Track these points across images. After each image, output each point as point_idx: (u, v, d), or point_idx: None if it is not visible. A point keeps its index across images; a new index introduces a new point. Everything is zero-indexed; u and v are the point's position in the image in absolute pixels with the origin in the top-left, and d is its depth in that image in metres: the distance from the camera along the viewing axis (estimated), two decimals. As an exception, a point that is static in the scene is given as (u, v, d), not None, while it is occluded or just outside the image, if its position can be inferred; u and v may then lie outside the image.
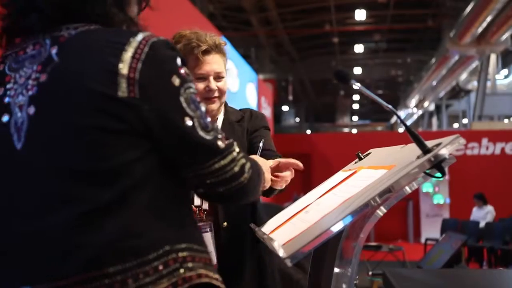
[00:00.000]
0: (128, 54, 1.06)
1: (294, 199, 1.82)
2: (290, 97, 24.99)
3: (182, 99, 1.09)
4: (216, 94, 1.94)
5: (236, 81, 10.76)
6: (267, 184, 1.63)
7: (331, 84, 26.66)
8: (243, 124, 2.08)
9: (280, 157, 2.04)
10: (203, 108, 1.14)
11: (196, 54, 1.91)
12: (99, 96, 1.03)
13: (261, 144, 1.97)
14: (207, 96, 1.93)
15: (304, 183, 13.36)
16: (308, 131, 28.04)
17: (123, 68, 1.05)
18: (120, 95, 1.04)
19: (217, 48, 1.96)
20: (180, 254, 1.09)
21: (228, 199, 1.22)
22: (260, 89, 13.31)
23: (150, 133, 1.08)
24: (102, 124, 1.03)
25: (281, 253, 1.22)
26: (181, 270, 1.07)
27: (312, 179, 13.26)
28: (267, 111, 14.56)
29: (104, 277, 1.01)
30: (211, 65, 1.94)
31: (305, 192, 1.85)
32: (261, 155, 1.93)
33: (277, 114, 25.92)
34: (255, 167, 1.25)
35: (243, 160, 1.19)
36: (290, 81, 23.96)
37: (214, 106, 1.97)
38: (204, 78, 1.93)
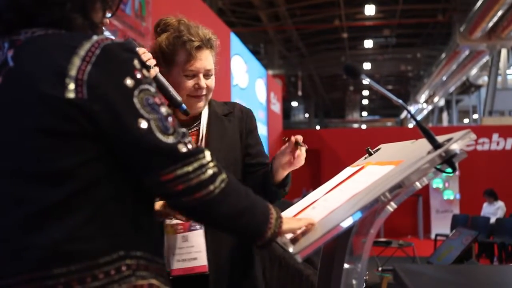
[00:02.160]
0: (78, 57, 1.05)
1: (304, 195, 1.81)
2: (300, 93, 24.93)
3: (135, 101, 1.06)
4: (204, 92, 1.90)
5: (245, 77, 10.75)
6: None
7: (341, 79, 26.59)
8: (233, 120, 2.02)
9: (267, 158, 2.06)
10: (163, 110, 1.10)
11: (188, 50, 1.86)
12: (48, 99, 1.03)
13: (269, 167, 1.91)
14: (196, 94, 1.89)
15: (314, 179, 13.37)
16: (318, 127, 28.03)
17: (72, 69, 1.04)
18: (68, 96, 1.03)
19: (208, 43, 1.91)
20: (134, 262, 1.08)
21: (195, 211, 1.15)
22: (269, 84, 13.29)
23: (101, 135, 1.06)
24: (50, 126, 1.03)
25: (291, 248, 1.22)
26: (133, 278, 1.07)
27: (321, 175, 13.26)
28: (276, 107, 14.55)
29: (48, 278, 1.02)
30: (202, 62, 1.89)
31: (314, 188, 1.85)
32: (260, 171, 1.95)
33: (287, 110, 25.91)
34: (236, 185, 1.18)
35: (215, 169, 1.13)
36: (300, 76, 23.89)
37: (201, 104, 1.93)
38: (193, 75, 1.88)
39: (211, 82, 1.93)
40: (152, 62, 1.73)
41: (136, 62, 1.09)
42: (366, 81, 1.35)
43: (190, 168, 1.09)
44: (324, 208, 1.44)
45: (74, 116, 1.03)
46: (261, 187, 1.86)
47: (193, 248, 1.83)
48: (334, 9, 17.04)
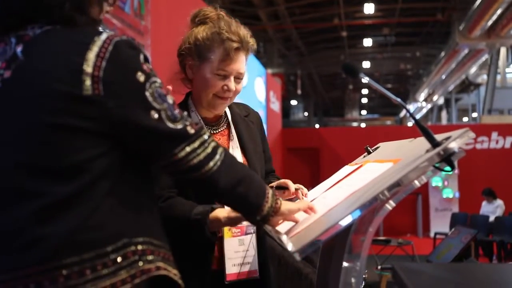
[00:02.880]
0: (92, 53, 1.08)
1: (303, 194, 1.81)
2: (299, 92, 24.92)
3: (147, 94, 1.13)
4: (231, 94, 1.85)
5: (244, 76, 10.74)
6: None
7: (340, 78, 26.59)
8: (253, 122, 2.02)
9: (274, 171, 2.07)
10: (170, 100, 1.18)
11: (226, 49, 1.79)
12: (63, 96, 1.06)
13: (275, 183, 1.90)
14: (223, 95, 1.83)
15: (313, 177, 13.38)
16: (317, 126, 28.02)
17: (88, 66, 1.07)
18: (84, 94, 1.07)
19: (247, 46, 1.84)
20: (140, 247, 1.13)
21: (204, 184, 1.25)
22: (268, 83, 13.29)
23: (116, 130, 1.11)
24: (66, 122, 1.07)
25: (290, 247, 1.22)
26: (140, 263, 1.12)
27: (320, 173, 13.26)
28: (275, 106, 14.54)
29: (62, 268, 1.05)
30: (237, 64, 1.82)
31: (313, 187, 1.85)
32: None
33: (286, 109, 25.91)
34: (231, 156, 1.30)
35: (213, 143, 1.24)
36: (299, 75, 23.88)
37: (225, 106, 1.89)
38: (225, 75, 1.81)
39: (240, 86, 1.87)
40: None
41: (141, 57, 1.15)
42: (365, 80, 1.36)
43: (196, 145, 1.19)
44: (323, 205, 1.45)
45: (90, 112, 1.08)
46: None
47: (248, 252, 1.81)
48: (333, 8, 17.03)
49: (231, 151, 1.86)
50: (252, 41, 1.86)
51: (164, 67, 1.92)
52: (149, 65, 1.16)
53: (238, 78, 1.85)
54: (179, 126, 1.17)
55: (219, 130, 1.91)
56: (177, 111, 1.19)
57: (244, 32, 1.84)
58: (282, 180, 1.88)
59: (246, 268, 1.80)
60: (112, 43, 1.11)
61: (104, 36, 1.11)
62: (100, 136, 1.11)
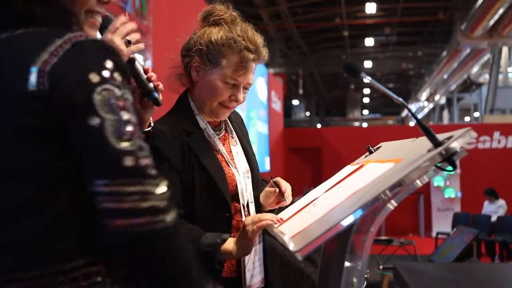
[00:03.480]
0: (47, 52, 1.00)
1: (304, 193, 1.81)
2: (300, 91, 24.92)
3: (95, 96, 0.98)
4: (237, 105, 1.80)
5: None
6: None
7: (342, 77, 26.58)
8: (241, 123, 2.00)
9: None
10: (124, 115, 1.00)
11: (242, 59, 1.72)
12: (14, 94, 1.00)
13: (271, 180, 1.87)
14: (228, 105, 1.77)
15: (315, 177, 13.38)
16: (319, 125, 28.02)
17: (37, 62, 0.99)
18: (30, 89, 0.98)
19: (261, 56, 1.78)
20: (103, 268, 1.02)
21: (121, 243, 0.97)
22: (270, 83, 13.29)
23: (64, 130, 0.99)
24: (15, 122, 0.99)
25: (291, 246, 1.22)
26: (103, 286, 1.02)
27: (322, 173, 13.26)
28: (277, 105, 14.54)
29: (15, 281, 0.97)
30: (249, 75, 1.76)
31: (315, 186, 1.85)
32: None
33: (288, 108, 25.90)
34: (188, 237, 1.09)
35: (160, 203, 0.98)
36: (300, 75, 23.89)
37: (227, 114, 1.84)
38: (234, 85, 1.74)
39: (246, 95, 1.81)
40: (135, 36, 1.56)
41: (108, 62, 1.02)
42: (366, 79, 1.35)
43: (131, 189, 0.96)
44: (324, 205, 1.44)
45: (37, 109, 0.99)
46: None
47: (259, 262, 1.79)
48: (335, 7, 17.02)
49: (235, 157, 1.83)
50: (265, 51, 1.80)
51: (166, 67, 1.89)
52: (116, 75, 1.02)
53: (246, 88, 1.80)
54: (121, 146, 0.97)
55: (221, 135, 1.86)
56: (127, 131, 0.99)
57: (260, 40, 1.78)
58: (276, 179, 1.86)
59: (259, 277, 1.79)
60: (71, 43, 1.01)
61: (66, 36, 1.02)
62: (52, 136, 1.00)
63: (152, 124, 1.70)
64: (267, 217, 1.59)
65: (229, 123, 1.90)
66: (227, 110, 1.80)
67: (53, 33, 1.04)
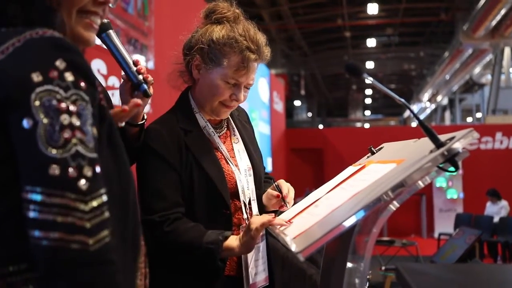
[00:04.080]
0: None
1: (306, 194, 1.81)
2: (302, 92, 24.92)
3: (33, 96, 0.90)
4: (238, 104, 1.80)
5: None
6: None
7: (343, 78, 26.58)
8: (245, 120, 1.99)
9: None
10: (64, 121, 0.91)
11: (244, 59, 1.70)
12: None
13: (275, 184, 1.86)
14: (229, 104, 1.77)
15: (317, 178, 13.37)
16: (321, 126, 28.00)
17: None
18: None
19: (263, 56, 1.76)
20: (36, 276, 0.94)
21: (38, 254, 0.88)
22: (272, 84, 13.29)
23: (5, 130, 0.92)
24: None
25: (293, 247, 1.22)
26: None
27: (324, 174, 13.24)
28: (279, 106, 14.54)
29: None
30: (250, 74, 1.74)
31: (317, 188, 1.85)
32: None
33: (289, 109, 25.89)
34: (114, 266, 0.92)
35: (86, 224, 0.89)
36: (302, 75, 23.89)
37: (228, 113, 1.84)
38: (235, 84, 1.73)
39: (247, 95, 1.80)
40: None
41: (59, 62, 0.94)
42: (368, 80, 1.35)
43: (51, 201, 0.88)
44: (326, 206, 1.44)
45: None
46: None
47: (262, 259, 1.78)
48: (337, 8, 17.02)
49: (237, 154, 1.83)
50: (267, 51, 1.78)
51: (168, 67, 1.89)
52: (68, 76, 0.94)
53: (247, 87, 1.78)
54: (50, 153, 0.88)
55: (222, 133, 1.86)
56: (62, 137, 0.90)
57: (262, 39, 1.77)
58: (279, 182, 1.85)
59: (262, 276, 1.78)
60: (24, 40, 0.94)
61: (22, 35, 0.95)
62: None
63: (145, 117, 1.70)
64: (276, 222, 1.57)
65: (231, 120, 1.90)
66: (227, 109, 1.80)
67: (14, 32, 0.98)
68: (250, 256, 1.73)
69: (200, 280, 1.69)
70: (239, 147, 1.85)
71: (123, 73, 1.59)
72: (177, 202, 1.67)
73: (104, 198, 0.93)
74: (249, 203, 1.78)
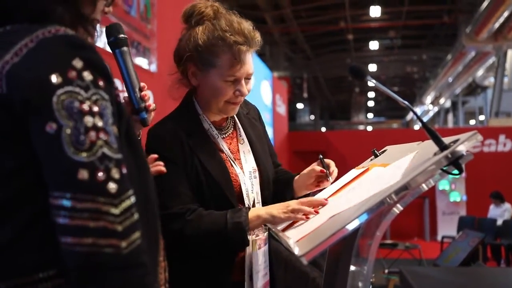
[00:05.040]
0: (9, 53, 0.92)
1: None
2: (305, 95, 24.95)
3: (54, 100, 0.88)
4: (243, 97, 1.76)
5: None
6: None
7: (346, 81, 26.59)
8: (256, 120, 1.96)
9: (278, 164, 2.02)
10: (88, 123, 0.89)
11: (234, 54, 1.66)
12: None
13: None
14: (235, 100, 1.73)
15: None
16: (323, 129, 28.02)
17: None
18: None
19: (254, 43, 1.71)
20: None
21: (71, 261, 0.87)
22: (274, 86, 13.29)
23: (25, 136, 0.90)
24: None
25: (297, 250, 1.22)
26: None
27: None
28: (281, 109, 14.53)
29: None
30: (246, 66, 1.69)
31: (320, 190, 1.85)
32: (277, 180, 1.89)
33: (292, 112, 25.91)
34: (145, 265, 0.91)
35: (118, 227, 0.88)
36: (305, 78, 23.90)
37: (237, 109, 1.80)
38: (235, 80, 1.70)
39: (250, 85, 1.76)
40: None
41: (76, 61, 0.92)
42: (371, 82, 1.34)
43: (79, 205, 0.86)
44: (330, 209, 1.44)
45: None
46: (280, 194, 1.84)
47: (266, 263, 1.75)
48: (340, 11, 17.03)
49: (242, 156, 1.81)
50: (257, 35, 1.72)
51: (170, 70, 1.87)
52: (87, 75, 0.92)
53: (248, 78, 1.74)
54: (78, 158, 0.87)
55: (228, 133, 1.83)
56: (88, 139, 0.89)
57: (248, 27, 1.71)
58: (327, 160, 1.86)
59: (266, 279, 1.76)
60: (37, 40, 0.92)
61: (35, 33, 0.93)
62: (17, 143, 0.91)
63: (139, 137, 1.65)
64: (315, 200, 1.57)
65: (237, 120, 1.87)
66: (235, 106, 1.76)
67: (25, 30, 0.96)
68: (255, 259, 1.70)
69: (217, 272, 1.68)
70: (244, 148, 1.83)
71: (126, 94, 1.54)
72: (192, 197, 1.67)
73: (133, 199, 0.92)
74: (253, 205, 1.76)
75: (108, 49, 1.56)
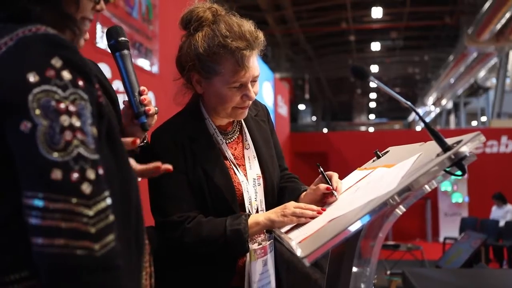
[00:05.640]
0: None
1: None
2: (307, 96, 24.92)
3: (30, 98, 0.86)
4: (251, 101, 1.70)
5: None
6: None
7: (348, 82, 26.57)
8: (264, 121, 1.89)
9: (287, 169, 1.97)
10: (65, 122, 0.88)
11: (237, 60, 1.60)
12: None
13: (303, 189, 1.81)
14: (243, 105, 1.68)
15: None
16: (325, 130, 28.00)
17: None
18: None
19: (257, 45, 1.65)
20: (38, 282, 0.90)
21: (42, 262, 0.85)
22: (276, 88, 13.28)
23: (2, 135, 0.89)
24: None
25: (299, 252, 1.21)
26: None
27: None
28: (283, 110, 14.53)
29: None
30: (251, 70, 1.63)
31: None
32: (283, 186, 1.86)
33: (294, 113, 25.89)
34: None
35: (96, 228, 0.86)
36: (307, 79, 23.89)
37: (246, 112, 1.74)
38: (241, 85, 1.64)
39: (257, 87, 1.70)
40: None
41: (55, 60, 0.90)
42: (374, 82, 1.34)
43: (52, 206, 0.84)
44: (332, 211, 1.44)
45: None
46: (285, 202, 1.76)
47: (268, 273, 1.70)
48: (341, 12, 17.01)
49: (247, 162, 1.76)
50: (260, 35, 1.66)
51: (173, 72, 1.84)
52: (66, 73, 0.91)
53: (254, 80, 1.68)
54: (52, 157, 0.85)
55: (233, 138, 1.79)
56: (63, 139, 0.87)
57: (249, 28, 1.64)
58: (328, 173, 1.72)
59: (271, 287, 1.72)
60: (16, 39, 0.91)
61: (15, 32, 0.92)
62: None
63: (145, 140, 1.65)
64: (308, 207, 1.56)
65: (244, 124, 1.82)
66: (244, 110, 1.71)
67: (4, 29, 0.94)
68: (254, 269, 1.67)
69: (217, 278, 1.66)
70: (250, 154, 1.78)
71: (126, 98, 1.51)
72: (193, 204, 1.65)
73: (108, 201, 0.90)
74: (257, 213, 1.72)
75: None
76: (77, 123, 0.89)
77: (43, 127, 0.86)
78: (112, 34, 1.51)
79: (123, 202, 1.01)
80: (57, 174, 0.85)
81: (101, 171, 0.90)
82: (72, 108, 0.89)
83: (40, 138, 0.85)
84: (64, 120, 0.88)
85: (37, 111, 0.86)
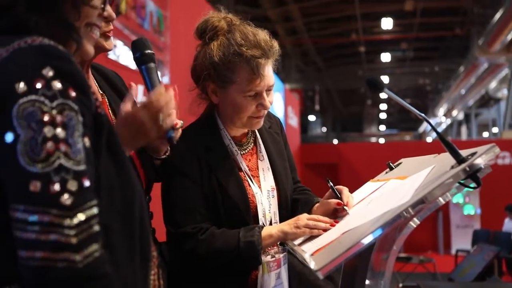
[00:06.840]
0: None
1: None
2: (317, 107, 24.91)
3: (15, 108, 0.85)
4: (266, 110, 1.70)
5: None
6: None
7: (358, 93, 26.54)
8: (278, 133, 1.88)
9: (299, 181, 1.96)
10: (48, 133, 0.86)
11: (252, 68, 1.60)
12: None
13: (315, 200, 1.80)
14: (258, 114, 1.68)
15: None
16: (335, 141, 27.91)
17: None
18: None
19: (272, 54, 1.65)
20: None
21: (27, 275, 0.85)
22: (286, 99, 13.29)
23: None
24: None
25: (313, 265, 1.20)
26: None
27: (339, 189, 13.15)
28: (293, 121, 14.53)
29: None
30: (266, 78, 1.64)
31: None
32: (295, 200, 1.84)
33: (304, 124, 25.86)
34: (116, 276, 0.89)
35: (77, 239, 0.84)
36: (317, 90, 23.88)
37: (261, 122, 1.74)
38: (257, 94, 1.64)
39: (272, 96, 1.70)
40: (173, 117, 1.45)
41: (46, 70, 0.89)
42: (389, 94, 1.33)
43: (30, 218, 0.83)
44: (346, 223, 1.42)
45: None
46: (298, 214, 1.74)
47: (282, 285, 1.67)
48: (351, 23, 17.03)
49: (261, 174, 1.76)
50: (274, 45, 1.67)
51: (184, 83, 1.85)
52: (56, 83, 0.89)
53: (269, 90, 1.68)
54: (33, 169, 0.84)
55: (248, 149, 1.78)
56: (44, 150, 0.85)
57: (264, 37, 1.65)
58: (338, 187, 1.70)
59: None
60: (11, 50, 0.91)
61: (12, 44, 0.92)
62: None
63: (168, 153, 1.62)
64: (321, 226, 1.54)
65: (258, 135, 1.82)
66: (259, 120, 1.71)
67: (4, 41, 0.94)
68: (267, 282, 1.63)
69: None
70: (264, 166, 1.77)
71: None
72: (206, 215, 1.65)
73: (94, 210, 0.88)
74: (270, 225, 1.71)
75: (122, 62, 1.53)
76: (61, 134, 0.87)
77: (25, 138, 0.85)
78: (138, 47, 1.49)
79: (126, 213, 1.00)
80: (36, 186, 0.84)
81: (87, 182, 0.88)
82: (59, 118, 0.87)
83: (21, 149, 0.84)
84: (48, 131, 0.86)
85: (21, 122, 0.85)
